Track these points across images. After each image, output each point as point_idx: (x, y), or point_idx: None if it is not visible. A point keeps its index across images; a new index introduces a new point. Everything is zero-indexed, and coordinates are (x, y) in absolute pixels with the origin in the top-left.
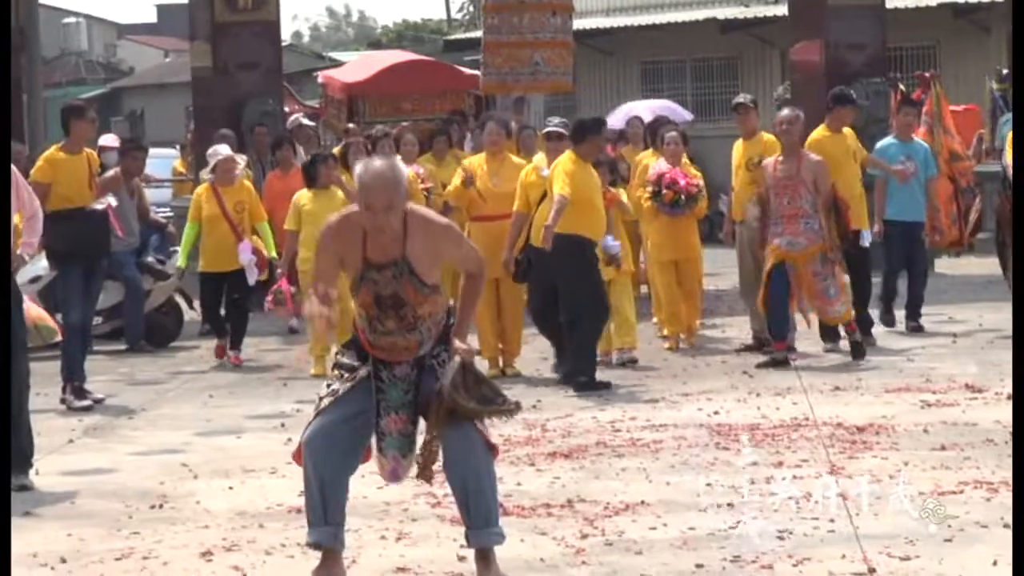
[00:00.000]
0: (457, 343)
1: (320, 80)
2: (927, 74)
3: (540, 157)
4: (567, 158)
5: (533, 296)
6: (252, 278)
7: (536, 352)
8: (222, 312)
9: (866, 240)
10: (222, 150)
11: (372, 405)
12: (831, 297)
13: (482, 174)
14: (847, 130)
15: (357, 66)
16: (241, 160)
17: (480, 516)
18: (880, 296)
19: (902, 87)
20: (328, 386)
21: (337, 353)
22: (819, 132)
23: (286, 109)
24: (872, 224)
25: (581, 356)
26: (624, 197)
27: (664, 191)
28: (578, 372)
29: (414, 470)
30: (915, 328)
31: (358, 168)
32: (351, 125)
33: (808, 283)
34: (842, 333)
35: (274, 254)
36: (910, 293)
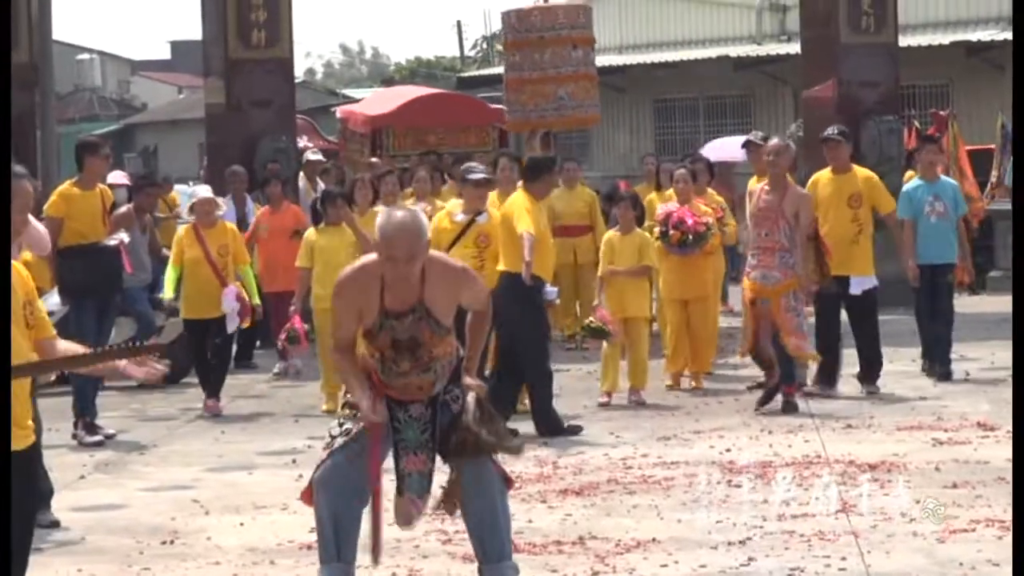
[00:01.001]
0: (468, 380)
1: (339, 115)
2: (943, 112)
3: (453, 203)
4: (522, 197)
5: None
6: (231, 326)
7: None
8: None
9: (855, 288)
10: (200, 191)
11: (389, 446)
12: (805, 332)
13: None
14: (867, 175)
15: (379, 100)
16: (221, 203)
17: (495, 550)
18: (922, 350)
19: (917, 124)
20: (340, 424)
21: (347, 393)
22: (820, 172)
23: (310, 144)
24: (909, 264)
25: (543, 417)
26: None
27: (671, 231)
28: (549, 430)
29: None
30: (943, 375)
31: (380, 219)
32: (375, 160)
33: (782, 318)
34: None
35: (257, 300)
36: (935, 337)
